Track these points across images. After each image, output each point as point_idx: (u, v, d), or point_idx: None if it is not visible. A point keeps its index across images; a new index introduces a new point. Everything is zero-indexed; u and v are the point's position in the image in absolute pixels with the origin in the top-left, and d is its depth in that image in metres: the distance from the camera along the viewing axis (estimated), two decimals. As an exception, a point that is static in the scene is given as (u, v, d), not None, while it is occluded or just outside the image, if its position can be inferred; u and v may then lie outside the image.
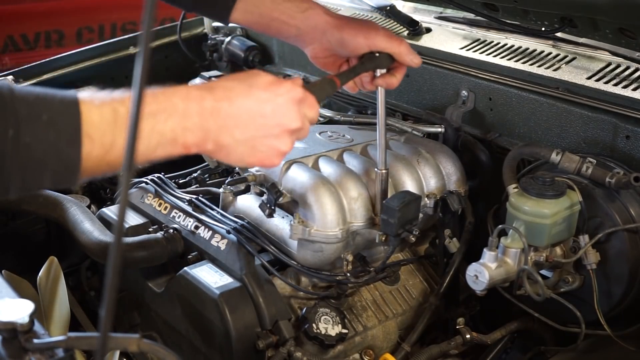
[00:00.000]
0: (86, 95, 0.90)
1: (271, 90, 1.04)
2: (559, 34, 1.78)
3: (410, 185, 1.57)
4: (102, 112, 0.89)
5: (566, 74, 1.69)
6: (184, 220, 1.68)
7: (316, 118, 1.12)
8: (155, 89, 0.96)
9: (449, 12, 2.20)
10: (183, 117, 0.96)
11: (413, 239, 1.47)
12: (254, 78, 1.04)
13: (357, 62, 1.36)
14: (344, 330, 1.46)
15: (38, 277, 1.51)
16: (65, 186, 0.94)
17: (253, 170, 1.59)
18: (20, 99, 0.85)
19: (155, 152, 0.96)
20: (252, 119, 1.02)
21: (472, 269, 1.38)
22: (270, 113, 1.03)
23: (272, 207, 1.48)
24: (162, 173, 1.88)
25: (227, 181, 1.66)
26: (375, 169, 1.49)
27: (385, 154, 1.48)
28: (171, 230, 1.66)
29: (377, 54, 1.35)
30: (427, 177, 1.62)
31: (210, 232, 1.60)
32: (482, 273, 1.37)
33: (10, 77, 2.14)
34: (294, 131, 1.06)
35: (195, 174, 2.00)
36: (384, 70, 1.38)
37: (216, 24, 2.55)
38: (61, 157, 0.86)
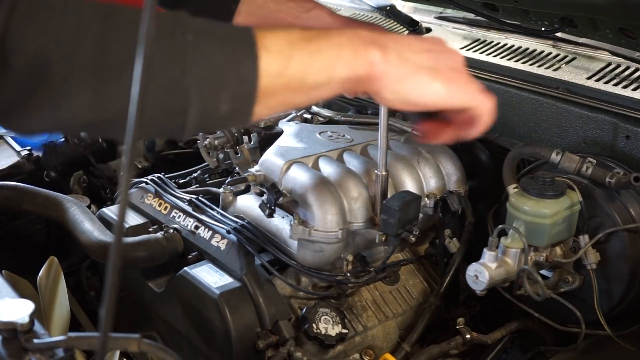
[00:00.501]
0: None
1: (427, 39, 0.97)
2: (559, 34, 1.78)
3: (410, 185, 1.57)
4: (274, 31, 0.83)
5: (566, 74, 1.69)
6: (184, 220, 1.68)
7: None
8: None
9: (449, 12, 2.20)
10: (356, 35, 0.86)
11: (413, 239, 1.47)
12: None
13: None
14: (344, 330, 1.46)
15: (38, 277, 1.51)
16: (241, 120, 0.80)
17: (253, 170, 1.59)
18: (189, 16, 0.78)
19: (336, 71, 0.85)
20: (419, 43, 0.92)
21: (472, 269, 1.38)
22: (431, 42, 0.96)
23: (272, 207, 1.48)
24: (162, 173, 1.89)
25: (227, 181, 1.66)
26: (375, 171, 1.50)
27: (386, 156, 1.48)
28: (171, 230, 1.66)
29: None
30: (427, 177, 1.62)
31: (210, 232, 1.60)
32: (482, 273, 1.37)
33: None
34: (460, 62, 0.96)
35: (195, 174, 2.01)
36: None
37: (216, 24, 2.55)
38: (240, 70, 0.79)
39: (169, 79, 0.75)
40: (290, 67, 0.81)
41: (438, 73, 0.91)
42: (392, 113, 1.94)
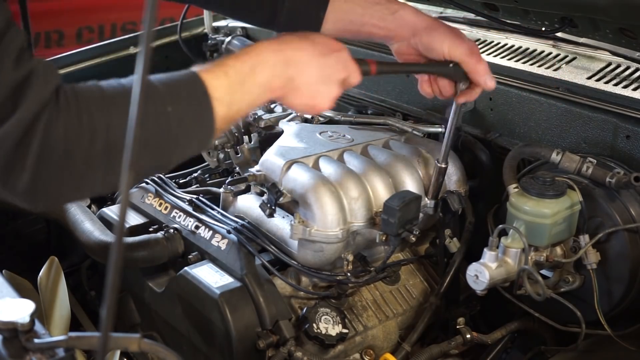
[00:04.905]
0: (198, 67, 1.07)
1: (329, 45, 1.22)
2: (559, 34, 1.78)
3: (410, 185, 1.57)
4: (217, 76, 1.06)
5: (566, 74, 1.69)
6: (184, 220, 1.68)
7: (359, 77, 1.28)
8: (244, 47, 1.13)
9: (449, 12, 2.19)
10: (273, 67, 1.14)
11: (413, 238, 1.47)
12: (313, 35, 1.23)
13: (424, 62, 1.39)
14: (345, 330, 1.46)
15: (38, 277, 1.51)
16: (203, 150, 1.09)
17: (253, 170, 1.59)
18: (162, 82, 1.00)
19: (257, 101, 1.14)
20: (319, 67, 1.19)
21: (472, 269, 1.38)
22: (332, 62, 1.21)
23: (273, 207, 1.48)
24: (163, 173, 1.88)
25: (227, 181, 1.66)
26: (435, 161, 1.55)
27: (448, 151, 1.53)
28: (171, 230, 1.66)
29: (451, 64, 1.35)
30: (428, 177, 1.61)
31: (211, 232, 1.60)
32: (482, 273, 1.37)
33: None
34: (342, 81, 1.24)
35: (195, 174, 2.01)
36: (463, 85, 1.39)
37: (216, 23, 2.56)
38: (203, 123, 1.04)
39: (159, 145, 0.99)
40: (232, 109, 1.08)
41: (315, 95, 1.21)
42: (392, 113, 1.95)
